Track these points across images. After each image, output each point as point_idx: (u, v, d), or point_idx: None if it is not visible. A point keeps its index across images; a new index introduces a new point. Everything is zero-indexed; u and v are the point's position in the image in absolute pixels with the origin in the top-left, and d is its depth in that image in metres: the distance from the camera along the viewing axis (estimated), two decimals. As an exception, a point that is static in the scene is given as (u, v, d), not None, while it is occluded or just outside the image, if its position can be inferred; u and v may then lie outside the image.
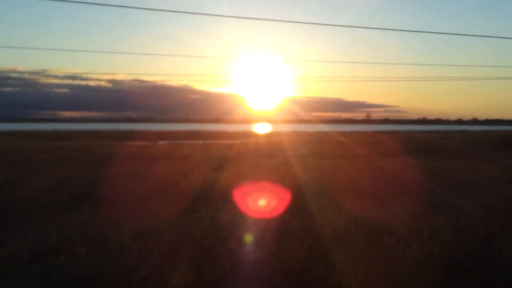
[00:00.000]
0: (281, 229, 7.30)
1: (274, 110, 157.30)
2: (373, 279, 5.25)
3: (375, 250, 6.22)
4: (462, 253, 5.99)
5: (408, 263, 5.61)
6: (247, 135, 51.13)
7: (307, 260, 5.82)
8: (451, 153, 25.38)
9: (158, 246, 6.52)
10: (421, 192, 11.07)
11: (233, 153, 23.90)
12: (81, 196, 10.32)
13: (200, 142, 39.01)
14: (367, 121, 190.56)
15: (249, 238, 6.71)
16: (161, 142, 37.79)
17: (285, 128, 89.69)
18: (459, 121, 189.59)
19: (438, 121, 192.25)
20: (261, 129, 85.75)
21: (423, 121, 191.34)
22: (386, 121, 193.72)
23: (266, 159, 20.42)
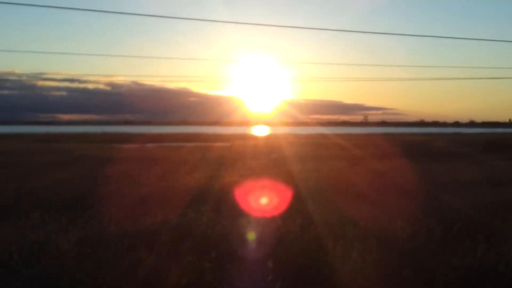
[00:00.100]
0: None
1: (272, 112, 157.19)
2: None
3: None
4: (403, 260, 5.82)
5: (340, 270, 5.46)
6: (239, 137, 51.00)
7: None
8: (437, 156, 25.33)
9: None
10: (386, 195, 10.95)
11: (223, 155, 23.90)
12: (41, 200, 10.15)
13: (190, 144, 38.84)
14: (364, 123, 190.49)
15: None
16: (150, 145, 37.63)
17: (282, 130, 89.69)
18: (456, 124, 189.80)
19: (435, 124, 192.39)
20: (257, 131, 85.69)
21: (420, 123, 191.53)
22: (383, 123, 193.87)
23: (251, 161, 20.50)
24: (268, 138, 52.71)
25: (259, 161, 21.04)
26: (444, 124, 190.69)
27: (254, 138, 51.96)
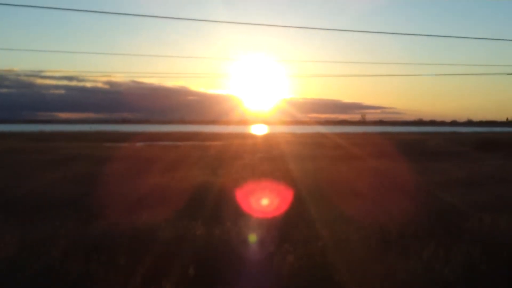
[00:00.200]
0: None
1: (270, 111, 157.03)
2: None
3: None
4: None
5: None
6: (233, 136, 50.74)
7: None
8: (429, 154, 25.18)
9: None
10: (356, 194, 10.72)
11: (206, 155, 23.67)
12: None
13: (181, 143, 38.57)
14: (362, 122, 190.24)
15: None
16: (139, 144, 37.36)
17: (280, 129, 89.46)
18: (454, 123, 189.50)
19: (432, 123, 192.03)
20: (255, 130, 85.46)
21: (418, 122, 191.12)
22: (380, 122, 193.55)
23: (235, 161, 20.32)
24: (261, 137, 52.47)
25: (243, 161, 20.80)
26: (442, 123, 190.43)
27: (248, 137, 51.69)
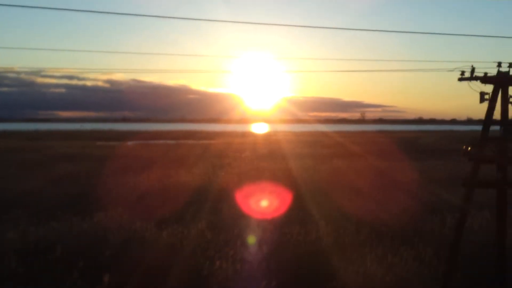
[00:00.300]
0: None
1: (271, 110, 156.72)
2: None
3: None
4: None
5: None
6: (228, 135, 50.52)
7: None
8: (418, 153, 24.99)
9: None
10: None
11: (190, 154, 23.48)
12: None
13: (171, 142, 38.36)
14: (362, 121, 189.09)
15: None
16: (130, 143, 37.13)
17: (280, 128, 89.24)
18: (453, 121, 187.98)
19: (432, 121, 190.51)
20: (254, 129, 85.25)
21: (418, 121, 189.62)
22: (380, 121, 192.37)
23: (217, 160, 20.20)
24: (261, 135, 52.32)
25: (226, 160, 20.69)
26: (442, 122, 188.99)
27: (248, 135, 51.58)
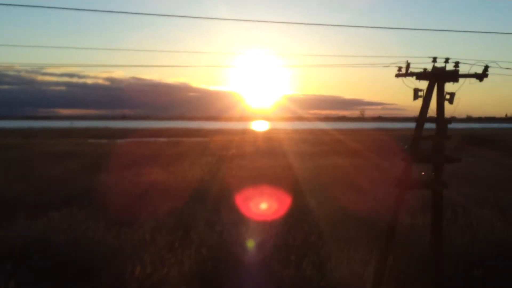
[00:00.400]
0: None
1: (272, 107, 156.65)
2: None
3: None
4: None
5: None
6: (223, 133, 50.49)
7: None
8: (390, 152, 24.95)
9: None
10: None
11: (175, 153, 23.49)
12: None
13: (162, 140, 38.27)
14: (361, 118, 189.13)
15: None
16: (120, 141, 37.01)
17: (280, 125, 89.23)
18: (452, 118, 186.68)
19: (431, 119, 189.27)
20: (254, 126, 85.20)
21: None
22: (379, 118, 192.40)
23: (201, 158, 20.19)
24: (262, 133, 52.47)
25: (208, 158, 20.67)
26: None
27: (248, 133, 51.75)
